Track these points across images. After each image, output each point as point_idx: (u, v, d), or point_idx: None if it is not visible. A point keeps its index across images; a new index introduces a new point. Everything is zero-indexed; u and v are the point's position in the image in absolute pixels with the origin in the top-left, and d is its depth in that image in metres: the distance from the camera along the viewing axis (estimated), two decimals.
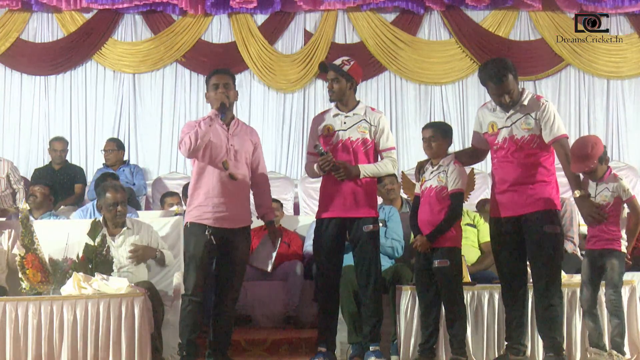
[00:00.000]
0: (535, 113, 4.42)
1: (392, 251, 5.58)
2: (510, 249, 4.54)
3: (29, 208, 4.91)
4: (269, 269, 5.04)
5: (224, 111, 4.65)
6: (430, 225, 4.68)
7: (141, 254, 5.08)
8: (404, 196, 6.39)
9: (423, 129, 4.87)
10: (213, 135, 4.64)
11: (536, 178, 4.44)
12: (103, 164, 8.33)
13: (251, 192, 4.88)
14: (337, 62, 4.88)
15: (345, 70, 4.84)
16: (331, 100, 4.93)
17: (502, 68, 4.43)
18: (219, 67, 9.11)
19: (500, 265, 4.62)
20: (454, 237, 4.68)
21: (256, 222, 6.94)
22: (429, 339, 4.70)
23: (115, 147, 8.25)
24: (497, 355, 4.78)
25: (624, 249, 4.64)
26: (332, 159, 4.74)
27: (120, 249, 5.12)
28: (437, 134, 4.75)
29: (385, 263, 5.35)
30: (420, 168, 4.89)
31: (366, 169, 4.81)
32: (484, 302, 4.88)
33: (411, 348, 4.82)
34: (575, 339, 4.87)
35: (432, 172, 4.75)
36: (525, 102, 4.47)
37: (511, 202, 4.48)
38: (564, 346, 4.52)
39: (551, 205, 4.44)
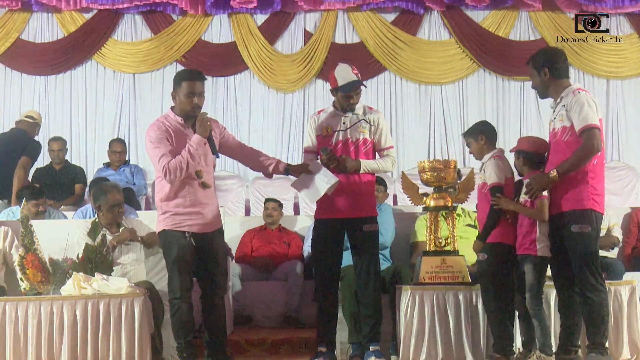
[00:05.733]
0: (568, 103, 4.35)
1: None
2: (555, 249, 4.45)
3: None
4: (330, 192, 4.70)
5: (212, 141, 4.61)
6: (480, 222, 4.74)
7: (150, 241, 5.08)
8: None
9: None
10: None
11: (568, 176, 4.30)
12: (104, 163, 8.32)
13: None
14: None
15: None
16: (351, 110, 4.86)
17: (533, 56, 4.54)
18: (219, 67, 9.30)
19: (551, 265, 4.54)
20: (497, 232, 4.59)
21: (255, 223, 7.03)
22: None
23: (123, 148, 8.27)
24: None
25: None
26: (335, 156, 4.73)
27: (123, 248, 5.12)
28: (469, 139, 4.79)
29: (385, 263, 5.35)
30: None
31: (367, 164, 4.82)
32: None
33: (411, 348, 4.79)
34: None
35: (480, 170, 4.81)
36: (564, 94, 4.42)
37: (551, 200, 4.43)
38: (607, 344, 4.35)
39: (580, 205, 4.28)
